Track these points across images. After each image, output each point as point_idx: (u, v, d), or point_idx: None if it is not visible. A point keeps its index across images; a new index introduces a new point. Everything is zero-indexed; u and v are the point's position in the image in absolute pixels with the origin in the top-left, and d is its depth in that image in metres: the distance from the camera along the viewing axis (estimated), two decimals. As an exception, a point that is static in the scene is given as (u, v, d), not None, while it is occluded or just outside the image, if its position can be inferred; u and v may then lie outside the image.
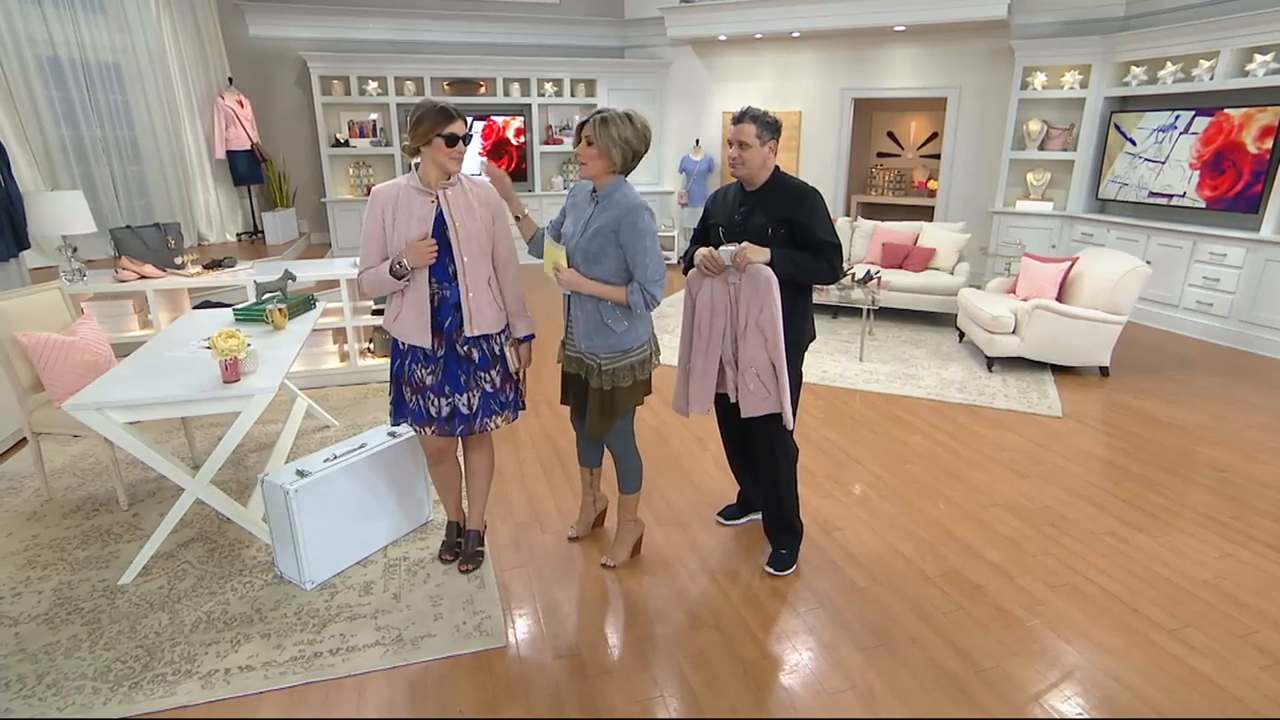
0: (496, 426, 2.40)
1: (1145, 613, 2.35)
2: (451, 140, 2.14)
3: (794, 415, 2.43)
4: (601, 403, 2.35)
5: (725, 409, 2.57)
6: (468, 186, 2.27)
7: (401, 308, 2.26)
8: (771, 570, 2.56)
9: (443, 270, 2.23)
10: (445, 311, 2.26)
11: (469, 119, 2.25)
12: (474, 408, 2.35)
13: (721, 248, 2.35)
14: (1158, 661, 2.13)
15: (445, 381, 2.31)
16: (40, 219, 3.82)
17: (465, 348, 2.30)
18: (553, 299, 6.62)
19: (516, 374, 2.44)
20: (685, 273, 2.50)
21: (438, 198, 2.21)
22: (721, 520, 2.88)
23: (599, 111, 2.20)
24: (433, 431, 2.37)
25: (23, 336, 2.81)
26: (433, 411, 2.33)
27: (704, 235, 2.58)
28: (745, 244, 2.32)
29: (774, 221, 2.35)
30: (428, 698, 1.99)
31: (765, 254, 2.29)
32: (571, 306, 2.36)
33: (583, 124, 2.21)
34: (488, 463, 2.58)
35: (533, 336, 2.45)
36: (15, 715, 1.90)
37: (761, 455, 2.54)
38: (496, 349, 2.36)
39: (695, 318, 2.44)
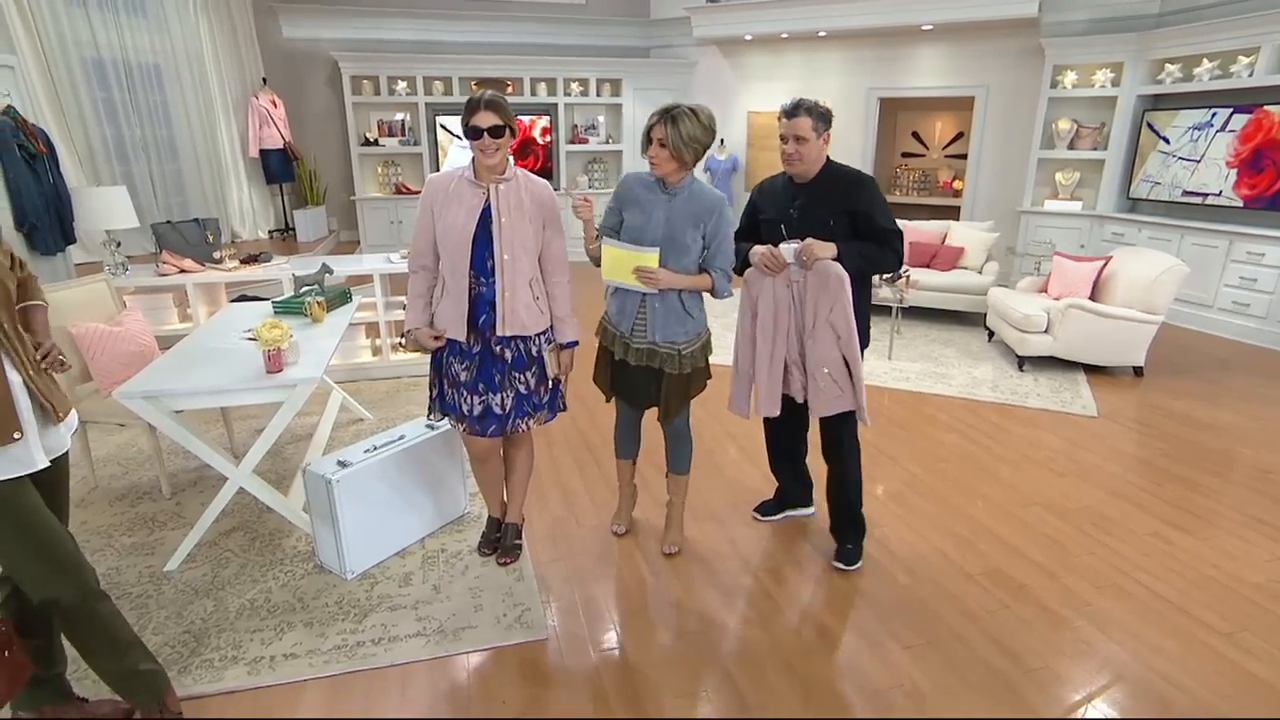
0: (528, 428, 2.37)
1: (1197, 615, 2.30)
2: (472, 133, 2.09)
3: None
4: (684, 387, 2.40)
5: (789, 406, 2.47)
6: (523, 183, 2.21)
7: (442, 298, 2.25)
8: (841, 565, 2.53)
9: (482, 265, 2.19)
10: (481, 308, 2.22)
11: (514, 118, 2.15)
12: (507, 408, 2.31)
13: (782, 245, 2.25)
14: (1214, 666, 2.08)
15: (479, 379, 2.29)
16: (86, 213, 3.91)
17: (499, 346, 2.26)
18: (593, 294, 6.63)
19: (555, 379, 2.40)
20: (739, 273, 2.41)
21: (488, 191, 2.17)
22: (758, 516, 2.87)
23: (667, 109, 2.17)
24: (465, 430, 2.36)
25: (73, 327, 2.86)
26: (465, 409, 2.30)
27: (753, 230, 2.47)
28: (809, 240, 2.22)
29: (834, 213, 2.26)
30: (470, 689, 2.00)
31: (832, 249, 2.20)
32: (647, 300, 2.31)
33: (651, 125, 2.19)
34: (527, 458, 2.58)
35: (577, 343, 2.39)
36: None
37: (830, 452, 2.49)
38: (534, 350, 2.31)
39: (757, 319, 2.35)
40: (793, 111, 2.22)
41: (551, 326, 2.35)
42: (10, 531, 1.55)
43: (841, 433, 2.43)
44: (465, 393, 2.30)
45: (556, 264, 2.31)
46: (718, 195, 2.29)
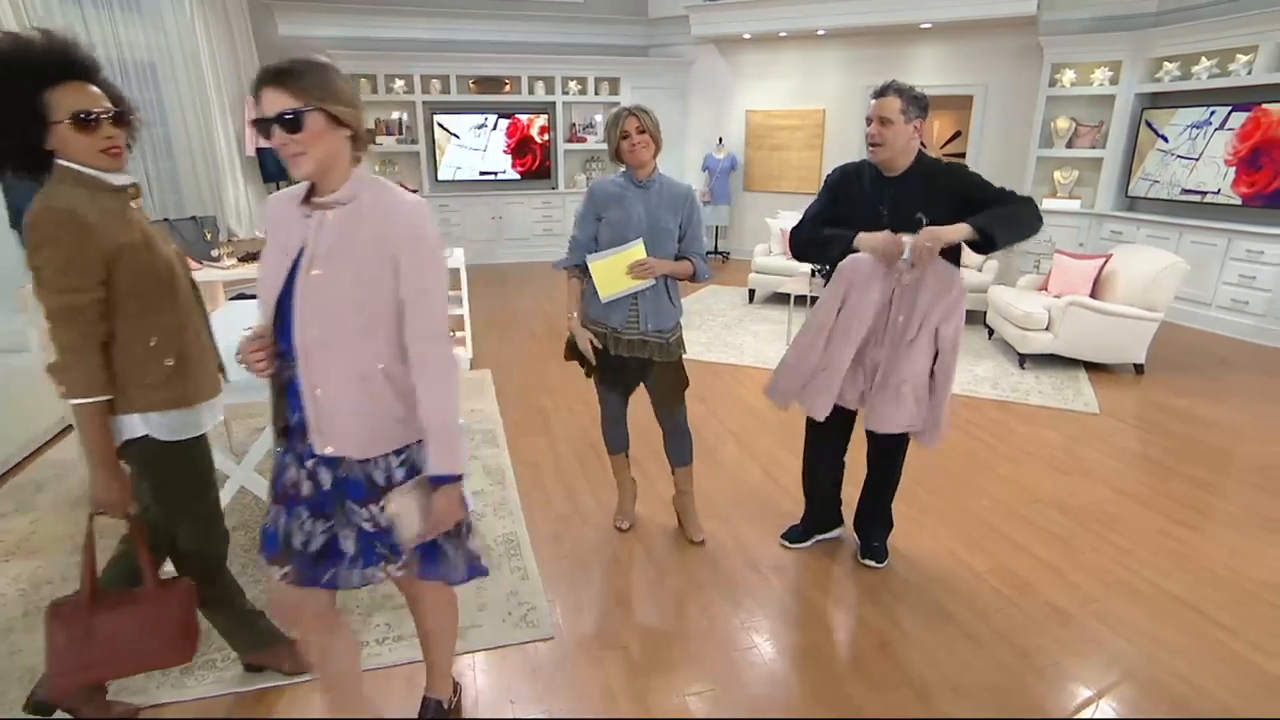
0: (384, 578, 1.47)
1: (1207, 613, 2.29)
2: (260, 129, 1.24)
3: None
4: (676, 374, 2.47)
5: (838, 420, 2.33)
6: (369, 208, 1.32)
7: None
8: (873, 563, 2.50)
9: (289, 339, 1.35)
10: (294, 401, 1.38)
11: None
12: (353, 550, 1.43)
13: (905, 236, 1.97)
14: (1228, 664, 2.07)
15: (322, 500, 1.42)
16: (81, 212, 3.86)
17: (312, 462, 1.40)
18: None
19: (421, 539, 1.43)
20: (831, 264, 2.16)
21: (314, 218, 1.34)
22: (787, 544, 2.65)
23: (626, 108, 2.31)
24: (284, 576, 1.42)
25: (70, 325, 2.83)
26: (295, 541, 1.42)
27: (834, 221, 2.20)
28: (932, 228, 1.90)
29: (937, 211, 2.00)
30: (477, 688, 1.98)
31: (964, 230, 1.86)
32: (639, 292, 2.34)
33: (616, 121, 2.29)
34: (439, 606, 1.69)
35: (459, 478, 1.40)
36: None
37: (881, 459, 2.42)
38: (378, 477, 1.40)
39: (845, 313, 2.11)
40: (881, 91, 2.08)
41: (419, 444, 1.41)
42: (198, 483, 1.70)
43: (901, 440, 2.34)
44: (305, 515, 1.42)
45: (424, 339, 1.35)
46: (686, 186, 2.43)
